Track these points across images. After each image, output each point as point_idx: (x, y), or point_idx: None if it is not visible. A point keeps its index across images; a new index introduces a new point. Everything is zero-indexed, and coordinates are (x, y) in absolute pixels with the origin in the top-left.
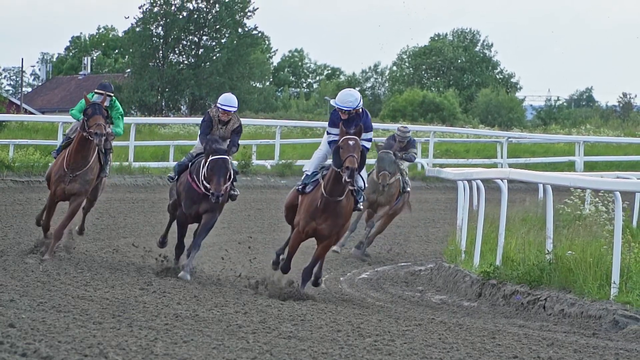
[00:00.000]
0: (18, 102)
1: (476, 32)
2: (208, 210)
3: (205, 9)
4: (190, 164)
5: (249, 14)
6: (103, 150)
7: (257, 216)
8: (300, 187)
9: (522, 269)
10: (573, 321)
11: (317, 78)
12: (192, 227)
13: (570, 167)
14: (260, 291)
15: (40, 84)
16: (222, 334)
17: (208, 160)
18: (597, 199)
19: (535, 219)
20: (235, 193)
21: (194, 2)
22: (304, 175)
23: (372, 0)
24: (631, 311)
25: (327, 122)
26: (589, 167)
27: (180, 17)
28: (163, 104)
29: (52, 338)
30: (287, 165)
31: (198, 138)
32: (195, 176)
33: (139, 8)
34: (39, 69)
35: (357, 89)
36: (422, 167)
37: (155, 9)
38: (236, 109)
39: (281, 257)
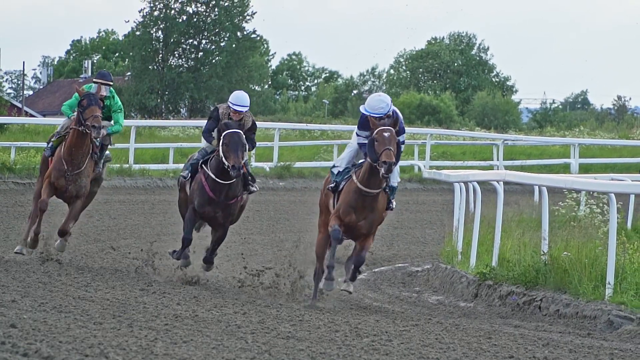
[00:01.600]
0: (19, 105)
1: (472, 35)
2: (222, 221)
3: (204, 13)
4: (201, 162)
5: (247, 17)
6: (98, 144)
7: (255, 218)
8: (332, 186)
9: (518, 270)
10: (568, 321)
11: (315, 81)
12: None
13: (565, 169)
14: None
15: (41, 87)
16: (221, 334)
17: (222, 136)
18: (592, 201)
19: (530, 220)
20: (254, 189)
21: (193, 6)
22: (335, 173)
23: (370, 5)
24: (626, 311)
25: (357, 125)
26: (584, 169)
27: (180, 20)
28: (163, 106)
29: (53, 338)
30: (285, 168)
31: (202, 136)
32: (208, 168)
33: (139, 12)
34: (40, 72)
35: (355, 92)
36: (419, 169)
37: (156, 13)
38: (248, 108)
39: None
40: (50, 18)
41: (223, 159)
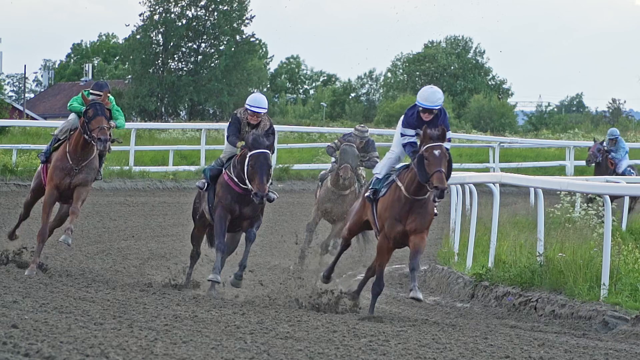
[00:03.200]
0: (21, 108)
1: (468, 39)
2: (250, 217)
3: (204, 17)
4: (224, 168)
5: (246, 21)
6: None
7: None
8: (370, 193)
9: (514, 271)
10: (564, 322)
11: (314, 84)
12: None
13: (560, 171)
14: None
15: (42, 90)
16: (220, 335)
17: (248, 155)
18: (587, 205)
19: (526, 221)
20: (274, 196)
21: (193, 10)
22: (374, 179)
23: (367, 9)
24: (620, 312)
25: (401, 122)
26: (579, 171)
27: (180, 24)
28: (163, 109)
29: (54, 338)
30: (284, 170)
31: (226, 141)
32: (233, 176)
33: (140, 16)
34: (42, 76)
35: (352, 95)
36: None
37: (156, 17)
38: (266, 110)
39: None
40: (52, 22)
41: (247, 181)
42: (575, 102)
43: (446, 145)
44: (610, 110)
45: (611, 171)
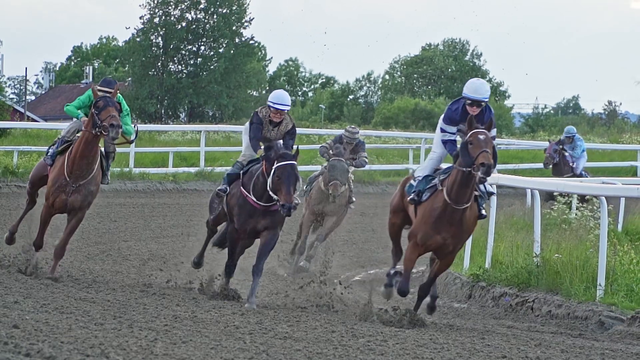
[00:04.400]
0: (22, 110)
1: (466, 42)
2: (268, 227)
3: (203, 20)
4: (242, 173)
5: (245, 24)
6: (105, 152)
7: None
8: (413, 195)
9: (511, 272)
10: (560, 322)
11: (312, 87)
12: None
13: None
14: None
15: (43, 92)
16: (220, 335)
17: (274, 167)
18: (583, 204)
19: (523, 223)
20: (297, 202)
21: (192, 13)
22: (416, 181)
23: (365, 11)
24: (616, 312)
25: (442, 119)
26: None
27: (180, 27)
28: (162, 111)
29: (55, 339)
30: None
31: (249, 143)
32: (250, 189)
33: (140, 18)
34: (42, 78)
35: (351, 97)
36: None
37: (156, 20)
38: (289, 107)
39: (392, 273)
40: (52, 25)
41: (271, 192)
42: (571, 104)
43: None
44: (606, 113)
45: (569, 171)
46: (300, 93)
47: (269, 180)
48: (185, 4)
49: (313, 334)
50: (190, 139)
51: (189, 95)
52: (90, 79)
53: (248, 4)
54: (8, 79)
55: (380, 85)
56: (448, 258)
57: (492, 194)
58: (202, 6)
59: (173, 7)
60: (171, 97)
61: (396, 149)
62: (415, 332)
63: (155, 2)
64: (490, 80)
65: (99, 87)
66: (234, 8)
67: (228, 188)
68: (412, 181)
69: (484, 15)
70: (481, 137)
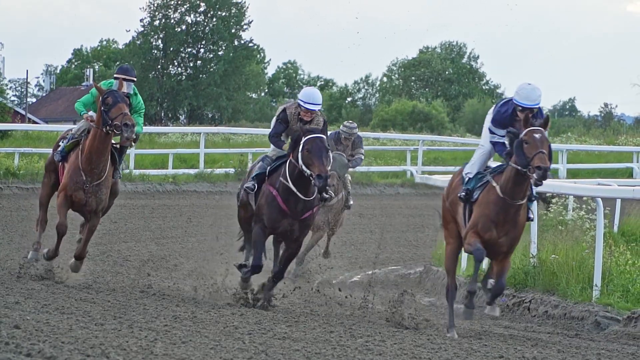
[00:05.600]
0: (23, 112)
1: (463, 44)
2: (299, 236)
3: (203, 23)
4: (268, 171)
5: (244, 27)
6: (119, 146)
7: None
8: (463, 194)
9: (508, 272)
10: (556, 322)
11: None
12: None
13: (553, 174)
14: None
15: (44, 94)
16: (219, 335)
17: (302, 141)
18: (579, 205)
19: None
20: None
21: (192, 16)
22: (466, 179)
23: (363, 14)
24: (612, 312)
25: (490, 120)
26: (572, 174)
27: (179, 30)
28: (162, 114)
29: (56, 339)
30: None
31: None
32: (277, 188)
33: (140, 21)
34: (43, 80)
35: (349, 99)
36: (412, 174)
37: (156, 23)
38: (321, 106)
39: (489, 282)
40: (53, 28)
41: (303, 167)
42: (567, 107)
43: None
44: (602, 115)
45: None
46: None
47: (299, 156)
48: (185, 7)
49: (311, 334)
50: (190, 141)
51: (189, 98)
52: (91, 81)
53: (247, 7)
54: (9, 81)
55: (378, 88)
56: (502, 261)
57: (538, 197)
58: (201, 9)
59: (173, 10)
60: (171, 99)
61: (394, 151)
62: (413, 332)
63: (155, 5)
64: (487, 83)
65: (115, 75)
66: (233, 11)
67: (256, 185)
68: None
69: (481, 17)
70: (537, 135)
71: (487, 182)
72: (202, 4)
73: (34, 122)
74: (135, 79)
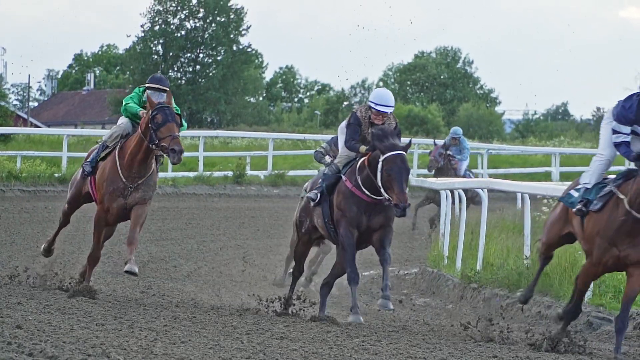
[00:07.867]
0: (25, 116)
1: (458, 49)
2: (383, 224)
3: (202, 28)
4: (341, 173)
5: (243, 32)
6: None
7: (250, 224)
8: (581, 205)
9: (502, 273)
10: (550, 322)
11: (308, 93)
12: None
13: (547, 177)
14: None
15: (46, 98)
16: (218, 335)
17: (381, 159)
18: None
19: (513, 226)
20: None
21: (191, 21)
22: (581, 189)
23: (360, 20)
24: (604, 313)
25: (612, 117)
26: (565, 177)
27: (179, 35)
28: None
29: (57, 339)
30: (279, 176)
31: (341, 145)
32: (354, 182)
33: (141, 27)
34: (45, 85)
35: (345, 104)
36: None
37: (156, 28)
38: (393, 108)
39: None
40: (55, 33)
41: (381, 188)
42: (560, 111)
43: None
44: (595, 119)
45: (452, 174)
46: (296, 99)
47: (379, 175)
48: (185, 12)
49: (309, 334)
50: (189, 144)
51: (188, 102)
52: (92, 85)
53: (245, 13)
54: (12, 85)
55: None
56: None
57: None
58: (200, 15)
59: (172, 16)
60: None
61: None
62: (409, 332)
63: (155, 10)
64: (481, 87)
65: (148, 85)
66: (232, 17)
67: (319, 195)
68: (572, 191)
69: (476, 24)
70: None
71: (612, 193)
72: (202, 10)
73: (36, 126)
74: (168, 89)
